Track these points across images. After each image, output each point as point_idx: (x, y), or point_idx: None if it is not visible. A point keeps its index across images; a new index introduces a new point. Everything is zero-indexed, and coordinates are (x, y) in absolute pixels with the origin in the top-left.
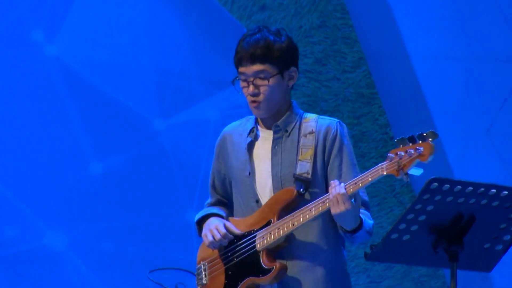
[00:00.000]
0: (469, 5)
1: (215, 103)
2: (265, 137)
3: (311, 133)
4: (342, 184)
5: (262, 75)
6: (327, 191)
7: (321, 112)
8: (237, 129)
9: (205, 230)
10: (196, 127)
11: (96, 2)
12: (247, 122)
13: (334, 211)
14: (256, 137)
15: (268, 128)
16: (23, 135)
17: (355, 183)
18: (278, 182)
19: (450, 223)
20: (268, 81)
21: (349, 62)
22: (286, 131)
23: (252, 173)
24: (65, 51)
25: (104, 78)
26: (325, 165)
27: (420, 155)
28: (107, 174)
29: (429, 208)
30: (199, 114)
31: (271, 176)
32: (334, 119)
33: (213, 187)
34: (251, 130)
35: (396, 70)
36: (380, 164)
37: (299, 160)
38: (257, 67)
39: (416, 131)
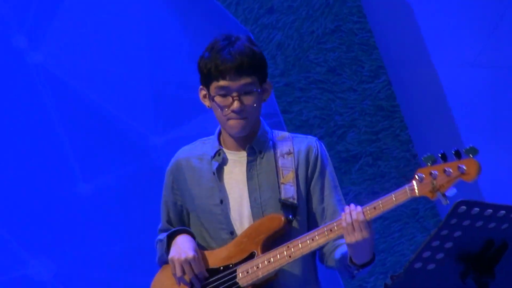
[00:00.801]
0: (497, 10)
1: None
2: (235, 160)
3: (288, 153)
4: (359, 208)
5: (249, 89)
6: (309, 218)
7: (335, 127)
8: (193, 153)
9: (174, 255)
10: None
11: (86, 5)
12: (204, 145)
13: (350, 240)
14: (223, 161)
15: (237, 149)
16: (2, 151)
17: (375, 207)
18: (258, 209)
19: (480, 250)
20: (256, 96)
21: (366, 71)
22: (260, 152)
23: (224, 201)
24: (51, 59)
25: (94, 88)
26: (307, 188)
27: (464, 174)
28: (97, 196)
29: (457, 234)
30: (200, 129)
31: (248, 203)
32: (311, 136)
33: (168, 222)
34: (217, 153)
35: (419, 80)
36: (407, 185)
37: (282, 183)
38: (244, 80)
39: (442, 148)
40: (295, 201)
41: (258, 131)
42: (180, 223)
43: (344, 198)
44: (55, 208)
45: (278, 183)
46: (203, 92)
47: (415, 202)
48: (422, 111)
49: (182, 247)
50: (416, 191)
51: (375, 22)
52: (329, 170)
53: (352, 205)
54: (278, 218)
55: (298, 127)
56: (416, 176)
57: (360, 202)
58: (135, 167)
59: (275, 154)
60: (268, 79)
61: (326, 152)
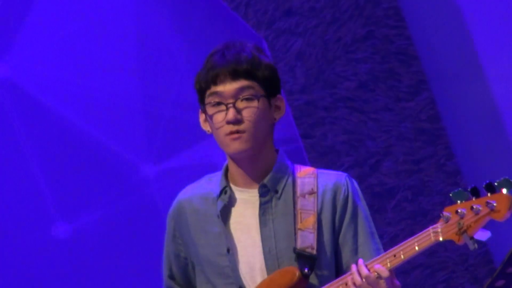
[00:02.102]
0: None
1: (217, 147)
2: (246, 200)
3: (311, 193)
4: (378, 266)
5: (248, 94)
6: (339, 273)
7: (368, 154)
8: (196, 192)
9: None
10: (196, 174)
11: (63, 12)
12: (210, 183)
13: None
14: (231, 201)
15: (248, 186)
16: None
17: (394, 255)
18: (273, 261)
19: None
20: (258, 102)
21: (405, 87)
22: (276, 191)
23: (232, 250)
24: (20, 74)
25: (74, 109)
26: (335, 237)
27: (493, 211)
28: (77, 239)
29: None
30: (200, 157)
31: (262, 253)
32: (340, 172)
33: (171, 277)
34: (223, 191)
35: (469, 97)
36: (431, 227)
37: (299, 229)
38: (241, 83)
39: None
40: (314, 252)
41: (274, 164)
42: (185, 279)
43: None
44: (28, 252)
45: (295, 229)
46: (203, 115)
47: (464, 245)
48: (472, 135)
49: None
50: (440, 234)
51: (416, 27)
52: (364, 213)
53: (361, 260)
54: (290, 272)
55: (322, 154)
56: (442, 216)
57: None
58: (123, 204)
59: (294, 193)
60: (285, 95)
61: (359, 191)
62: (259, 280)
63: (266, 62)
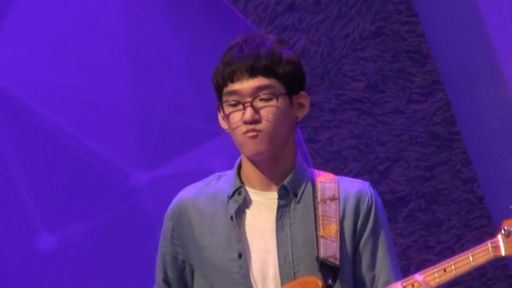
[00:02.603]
0: None
1: (220, 148)
2: (261, 203)
3: (332, 199)
4: (421, 277)
5: (266, 93)
6: (355, 286)
7: (376, 161)
8: (202, 191)
9: None
10: (189, 181)
11: (47, 7)
12: (219, 182)
13: None
14: (245, 203)
15: (264, 188)
16: None
17: (445, 270)
18: (288, 269)
19: None
20: (277, 101)
21: (417, 88)
22: (296, 194)
23: (244, 256)
24: (1, 75)
25: (59, 111)
26: (354, 248)
27: None
28: (64, 250)
29: None
30: (197, 164)
31: (276, 260)
32: (362, 180)
33: (165, 281)
34: (236, 192)
35: (487, 99)
36: (489, 241)
37: (321, 236)
38: (259, 81)
39: None
40: (337, 262)
41: (294, 166)
42: (181, 283)
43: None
44: (10, 266)
45: (317, 237)
46: (221, 112)
47: None
48: (490, 139)
49: None
50: (502, 249)
51: (429, 23)
52: (385, 227)
53: (416, 276)
54: (314, 283)
55: (327, 160)
56: (502, 230)
57: (409, 258)
58: (112, 214)
59: (314, 198)
60: None
61: (381, 202)
62: None
63: (288, 56)
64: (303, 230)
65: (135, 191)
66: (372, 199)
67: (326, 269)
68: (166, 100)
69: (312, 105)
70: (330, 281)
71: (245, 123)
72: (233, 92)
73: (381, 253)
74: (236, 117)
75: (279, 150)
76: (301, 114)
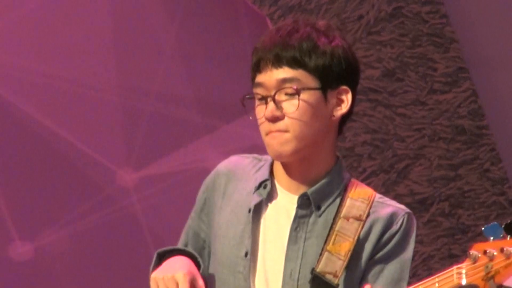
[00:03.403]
0: None
1: (218, 144)
2: (284, 205)
3: (357, 218)
4: None
5: (290, 86)
6: None
7: (394, 158)
8: (239, 173)
9: (158, 272)
10: (185, 182)
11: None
12: (256, 166)
13: None
14: (269, 198)
15: (290, 189)
16: None
17: None
18: (292, 286)
19: None
20: (299, 96)
21: (441, 76)
22: (319, 207)
23: (251, 255)
24: None
25: (35, 103)
26: (364, 270)
27: None
28: (42, 260)
29: None
30: (190, 162)
31: (281, 274)
32: (403, 206)
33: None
34: (262, 184)
35: None
36: (456, 266)
37: (327, 251)
38: (284, 72)
39: None
40: (336, 281)
41: (329, 173)
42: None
43: (408, 262)
44: None
45: (322, 250)
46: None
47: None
48: None
49: (173, 266)
50: (464, 276)
51: (454, 3)
52: (404, 257)
53: None
54: None
55: None
56: (469, 255)
57: (430, 269)
58: (96, 218)
59: (337, 213)
60: None
61: (413, 234)
62: None
63: (328, 46)
64: (317, 247)
65: (121, 192)
66: (401, 227)
67: (320, 284)
68: (156, 90)
69: None
70: None
71: (267, 119)
72: (259, 85)
73: (383, 282)
74: (260, 112)
75: (310, 152)
76: (339, 112)
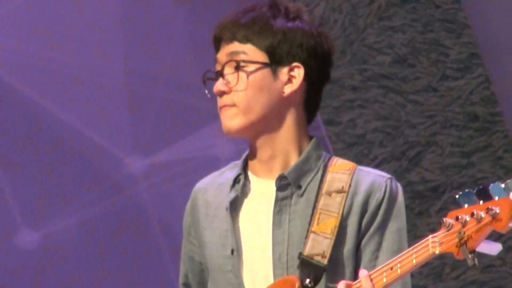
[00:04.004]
0: None
1: (218, 136)
2: (261, 193)
3: (339, 191)
4: (365, 273)
5: (237, 59)
6: None
7: (406, 146)
8: (214, 181)
9: None
10: (194, 170)
11: None
12: (232, 170)
13: None
14: (244, 191)
15: (267, 176)
16: None
17: (391, 268)
18: (282, 269)
19: None
20: (240, 69)
21: (453, 62)
22: (299, 186)
23: (237, 251)
24: None
25: (41, 90)
26: (356, 245)
27: (495, 219)
28: (48, 248)
29: None
30: (199, 149)
31: (270, 260)
32: (384, 173)
33: (185, 285)
34: (236, 180)
35: None
36: (431, 235)
37: (312, 231)
38: (234, 47)
39: None
40: (324, 261)
41: (302, 152)
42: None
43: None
44: None
45: (307, 232)
46: None
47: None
48: None
49: None
50: (437, 244)
51: None
52: (396, 226)
53: (364, 271)
54: (289, 283)
55: (349, 145)
56: (443, 222)
57: (442, 258)
58: (104, 206)
59: (319, 189)
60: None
61: (401, 200)
62: None
63: (282, 22)
64: (302, 227)
65: (129, 180)
66: (385, 194)
67: (308, 267)
68: (164, 76)
69: (332, 82)
70: (307, 281)
71: (216, 94)
72: (215, 61)
73: (384, 257)
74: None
75: (266, 129)
76: (289, 88)
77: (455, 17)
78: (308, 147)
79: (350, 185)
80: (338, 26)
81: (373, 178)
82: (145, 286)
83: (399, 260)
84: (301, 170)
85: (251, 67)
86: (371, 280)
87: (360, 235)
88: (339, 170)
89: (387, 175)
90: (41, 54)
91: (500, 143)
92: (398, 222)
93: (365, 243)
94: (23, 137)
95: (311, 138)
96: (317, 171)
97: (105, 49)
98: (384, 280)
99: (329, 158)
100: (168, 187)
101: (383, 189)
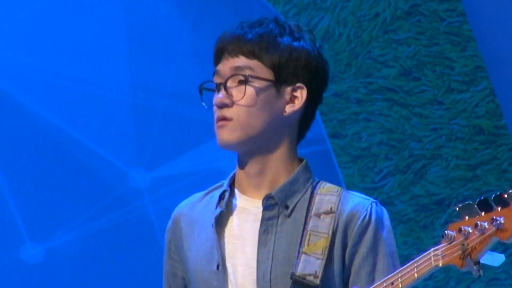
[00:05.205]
0: None
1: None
2: (248, 211)
3: (328, 213)
4: None
5: (243, 74)
6: None
7: (411, 159)
8: (200, 200)
9: None
10: (198, 183)
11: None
12: (220, 188)
13: None
14: (229, 208)
15: (254, 195)
16: None
17: (392, 283)
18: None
19: None
20: (247, 83)
21: (458, 75)
22: (287, 207)
23: (222, 266)
24: None
25: (46, 103)
26: (346, 269)
27: (500, 230)
28: (53, 262)
29: None
30: (204, 163)
31: (255, 278)
32: (368, 198)
33: None
34: (221, 196)
35: None
36: (433, 249)
37: (304, 252)
38: (239, 61)
39: None
40: (317, 281)
41: (291, 173)
42: None
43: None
44: None
45: (298, 252)
46: None
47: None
48: None
49: None
50: (440, 258)
51: (471, 0)
52: (388, 249)
53: None
54: None
55: (354, 158)
56: (445, 235)
57: (447, 271)
58: (108, 219)
59: (308, 212)
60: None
61: (387, 222)
62: None
63: (291, 45)
64: (287, 246)
65: (133, 193)
66: (369, 216)
67: (301, 287)
68: (168, 89)
69: (336, 94)
70: None
71: (216, 106)
72: (216, 73)
73: (380, 277)
74: (214, 100)
75: (260, 147)
76: (291, 108)
77: (460, 30)
78: (298, 168)
79: (337, 206)
80: (343, 39)
81: (358, 200)
82: None
83: (400, 274)
84: (289, 191)
85: (256, 83)
86: None
87: (348, 256)
88: (328, 192)
89: (372, 199)
90: (46, 67)
91: (505, 156)
92: (390, 246)
93: (359, 266)
94: (27, 150)
95: (301, 160)
96: (305, 192)
97: (109, 62)
98: None
99: (317, 182)
100: (173, 200)
101: (368, 209)
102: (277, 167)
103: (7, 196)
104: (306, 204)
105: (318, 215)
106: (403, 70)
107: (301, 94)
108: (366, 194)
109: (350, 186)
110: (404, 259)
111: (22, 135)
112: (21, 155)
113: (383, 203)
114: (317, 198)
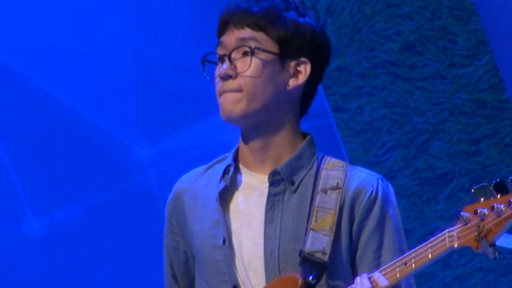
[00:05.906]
0: None
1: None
2: (253, 186)
3: (334, 188)
4: (377, 274)
5: (248, 45)
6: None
7: (414, 133)
8: (203, 174)
9: None
10: (201, 157)
11: None
12: (223, 162)
13: None
14: (234, 183)
15: (259, 170)
16: None
17: (405, 263)
18: (273, 264)
19: None
20: (253, 55)
21: (461, 49)
22: (293, 183)
23: (228, 241)
24: None
25: (49, 78)
26: (352, 246)
27: None
28: (56, 235)
29: None
30: (207, 137)
31: (262, 253)
32: (374, 173)
33: (173, 276)
34: (226, 170)
35: None
36: (447, 230)
37: (312, 229)
38: (244, 33)
39: None
40: (325, 258)
41: (295, 148)
42: (186, 278)
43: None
44: None
45: (306, 229)
46: None
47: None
48: None
49: None
50: (456, 240)
51: None
52: (394, 225)
53: (364, 275)
54: (291, 281)
55: (357, 132)
56: (460, 217)
57: None
58: (111, 193)
59: (314, 187)
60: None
61: (393, 198)
62: (254, 282)
63: (296, 20)
64: (293, 222)
65: (136, 167)
66: (376, 192)
67: (310, 264)
68: (171, 63)
69: (339, 68)
70: (311, 278)
71: (220, 77)
72: (220, 44)
73: (388, 255)
74: (217, 71)
75: (264, 121)
76: (295, 82)
77: (463, 4)
78: (302, 143)
79: (344, 182)
80: (346, 13)
81: (364, 175)
82: (152, 273)
83: (413, 255)
84: (295, 166)
85: (262, 55)
86: (385, 275)
87: (354, 232)
88: (333, 167)
89: (377, 174)
90: (49, 42)
91: (508, 130)
92: (396, 223)
93: (365, 243)
94: (30, 125)
95: (305, 135)
96: (310, 168)
97: (112, 37)
98: (398, 275)
99: (322, 157)
100: (175, 174)
101: (375, 185)
102: (281, 142)
103: (10, 170)
104: (312, 180)
105: (324, 191)
106: (406, 44)
107: (305, 69)
108: (370, 169)
109: (353, 160)
110: (407, 233)
111: (25, 109)
112: (24, 129)
113: (386, 177)
114: (323, 174)
